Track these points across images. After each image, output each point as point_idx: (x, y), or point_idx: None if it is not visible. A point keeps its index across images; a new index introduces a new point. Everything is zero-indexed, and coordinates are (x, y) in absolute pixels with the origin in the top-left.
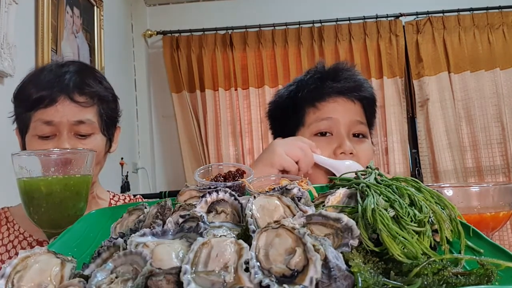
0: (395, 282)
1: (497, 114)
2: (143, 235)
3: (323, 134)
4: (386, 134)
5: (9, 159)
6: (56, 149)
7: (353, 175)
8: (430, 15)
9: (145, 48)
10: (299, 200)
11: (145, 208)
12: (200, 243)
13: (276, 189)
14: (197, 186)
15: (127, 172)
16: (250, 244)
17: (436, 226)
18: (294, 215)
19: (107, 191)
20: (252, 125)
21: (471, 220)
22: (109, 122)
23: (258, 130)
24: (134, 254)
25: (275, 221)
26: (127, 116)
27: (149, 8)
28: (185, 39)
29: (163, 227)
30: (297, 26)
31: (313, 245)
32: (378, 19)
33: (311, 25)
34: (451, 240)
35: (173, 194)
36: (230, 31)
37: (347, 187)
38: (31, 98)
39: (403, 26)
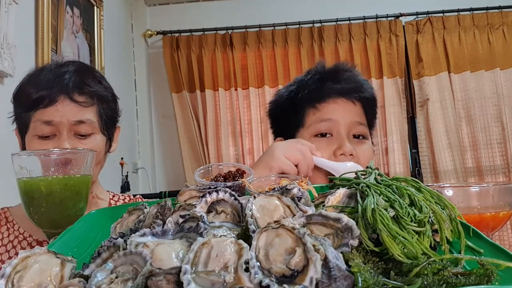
0: (395, 282)
1: (497, 114)
2: (143, 235)
3: (323, 135)
4: (386, 134)
5: (9, 159)
6: (56, 149)
7: (353, 175)
8: (430, 15)
9: (145, 48)
10: (299, 200)
11: (145, 208)
12: (200, 243)
13: (276, 189)
14: (197, 186)
15: (127, 172)
16: (250, 244)
17: (436, 226)
18: (294, 215)
19: (107, 191)
20: (252, 125)
21: (471, 220)
22: (109, 122)
23: (258, 130)
24: (134, 254)
25: (275, 221)
26: (127, 116)
27: (149, 8)
28: (185, 39)
29: (163, 227)
30: (297, 26)
31: (313, 245)
32: (378, 19)
33: (311, 25)
34: (451, 240)
35: (173, 194)
36: (230, 31)
37: (347, 187)
38: (30, 98)
39: (403, 26)
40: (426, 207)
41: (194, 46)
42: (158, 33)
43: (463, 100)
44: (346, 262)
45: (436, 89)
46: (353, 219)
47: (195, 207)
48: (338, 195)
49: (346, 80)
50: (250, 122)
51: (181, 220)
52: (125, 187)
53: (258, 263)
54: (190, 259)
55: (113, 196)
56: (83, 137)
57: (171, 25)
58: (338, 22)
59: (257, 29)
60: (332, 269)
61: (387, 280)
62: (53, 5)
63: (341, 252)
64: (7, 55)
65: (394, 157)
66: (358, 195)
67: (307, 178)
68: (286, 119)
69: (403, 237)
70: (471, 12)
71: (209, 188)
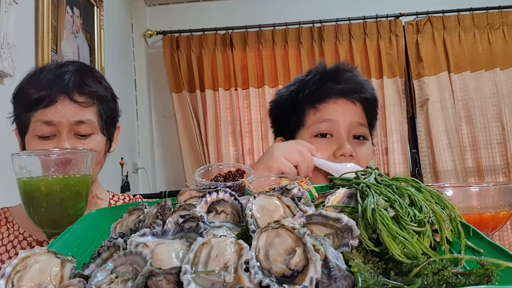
0: (395, 282)
1: (497, 114)
2: (143, 235)
3: (323, 135)
4: (386, 134)
5: (9, 159)
6: (56, 149)
7: (353, 175)
8: (430, 15)
9: (145, 48)
10: (299, 200)
11: (145, 208)
12: (200, 243)
13: (276, 189)
14: (197, 186)
15: (127, 172)
16: (250, 244)
17: (436, 226)
18: (294, 215)
19: (107, 191)
20: (252, 125)
21: (471, 220)
22: (108, 122)
23: (258, 130)
24: (134, 254)
25: (275, 221)
26: (127, 116)
27: (149, 8)
28: (185, 39)
29: (163, 227)
30: (297, 26)
31: (313, 245)
32: (378, 19)
33: (311, 25)
34: (451, 240)
35: (173, 194)
36: (230, 31)
37: (347, 187)
38: (30, 98)
39: (403, 26)
40: (426, 207)
41: (194, 46)
42: (158, 33)
43: (463, 100)
44: (346, 262)
45: (436, 89)
46: (353, 219)
47: (195, 207)
48: (338, 195)
49: (347, 81)
50: (250, 122)
51: (181, 220)
52: (125, 187)
53: (258, 263)
54: (190, 259)
55: (113, 196)
56: (83, 137)
57: (171, 25)
58: (338, 22)
59: (257, 29)
60: (332, 269)
61: (387, 280)
62: (53, 5)
63: (341, 252)
64: (7, 55)
65: (394, 157)
66: (358, 195)
67: (307, 178)
68: (286, 119)
69: (403, 237)
70: (471, 12)
71: (209, 188)
